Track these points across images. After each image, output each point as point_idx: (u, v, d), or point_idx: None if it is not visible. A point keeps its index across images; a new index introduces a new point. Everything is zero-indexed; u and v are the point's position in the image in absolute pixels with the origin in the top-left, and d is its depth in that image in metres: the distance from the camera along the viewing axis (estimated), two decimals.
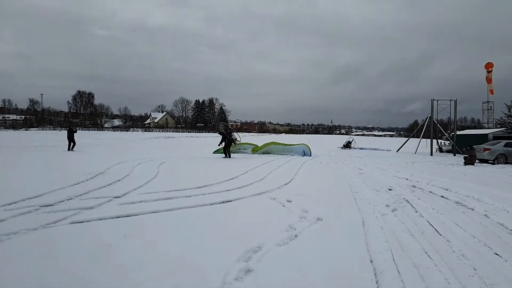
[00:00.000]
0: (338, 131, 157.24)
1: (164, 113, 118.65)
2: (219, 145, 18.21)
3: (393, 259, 3.74)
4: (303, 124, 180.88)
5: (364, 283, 3.15)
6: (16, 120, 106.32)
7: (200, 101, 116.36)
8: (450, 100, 26.18)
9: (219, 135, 17.82)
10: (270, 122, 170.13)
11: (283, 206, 6.19)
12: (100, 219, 5.06)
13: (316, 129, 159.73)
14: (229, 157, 16.74)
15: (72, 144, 19.25)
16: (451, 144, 26.57)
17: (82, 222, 4.91)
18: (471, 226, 5.09)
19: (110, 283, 3.04)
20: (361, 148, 34.02)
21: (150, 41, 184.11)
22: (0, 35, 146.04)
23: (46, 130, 79.13)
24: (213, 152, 19.83)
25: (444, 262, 3.67)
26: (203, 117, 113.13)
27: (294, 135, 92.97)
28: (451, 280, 3.26)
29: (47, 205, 5.78)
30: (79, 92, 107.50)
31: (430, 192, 7.98)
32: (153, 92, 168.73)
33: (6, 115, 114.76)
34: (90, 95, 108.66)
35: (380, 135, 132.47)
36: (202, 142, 41.53)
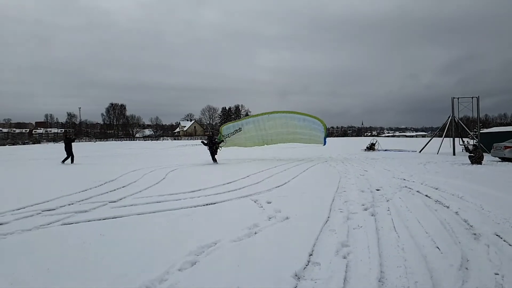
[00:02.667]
0: (369, 133, 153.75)
1: (193, 121, 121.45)
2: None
3: (335, 252, 4.04)
4: (331, 127, 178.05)
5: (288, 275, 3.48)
6: (56, 133, 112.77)
7: (227, 108, 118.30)
8: (472, 98, 25.40)
9: (204, 145, 18.59)
10: None
11: (261, 207, 6.57)
12: (89, 221, 5.68)
13: (345, 132, 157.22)
14: (216, 162, 17.54)
15: (70, 156, 17.65)
16: (475, 143, 25.71)
17: (72, 223, 5.54)
18: (432, 222, 5.25)
19: (70, 274, 3.56)
20: (385, 150, 33.27)
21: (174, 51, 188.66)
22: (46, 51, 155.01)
23: (83, 141, 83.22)
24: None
25: (378, 255, 3.93)
26: None
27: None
28: (374, 269, 3.53)
29: (49, 210, 6.49)
30: (112, 104, 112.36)
31: (417, 191, 8.04)
32: (181, 100, 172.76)
33: (48, 129, 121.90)
34: (122, 107, 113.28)
35: (412, 136, 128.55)
36: (227, 149, 42.23)
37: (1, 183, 10.42)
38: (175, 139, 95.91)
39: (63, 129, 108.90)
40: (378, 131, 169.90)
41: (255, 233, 4.83)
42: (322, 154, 23.71)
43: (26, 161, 21.37)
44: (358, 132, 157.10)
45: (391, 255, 3.95)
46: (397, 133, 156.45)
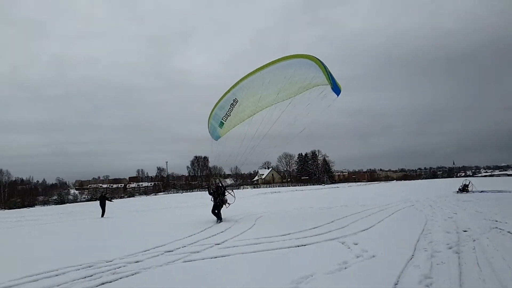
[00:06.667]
0: (463, 173, 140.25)
1: (270, 169, 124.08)
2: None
3: (418, 282, 4.61)
4: (419, 169, 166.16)
5: None
6: (147, 186, 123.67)
7: (303, 154, 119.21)
8: None
9: (209, 195, 14.98)
10: (380, 169, 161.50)
11: (348, 248, 7.25)
12: (203, 259, 6.97)
13: (434, 173, 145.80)
14: (221, 220, 13.70)
15: (103, 211, 20.85)
16: None
17: (191, 261, 6.85)
18: None
19: None
20: (481, 191, 30.37)
21: None
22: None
23: (170, 193, 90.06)
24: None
25: (459, 285, 4.41)
26: (307, 169, 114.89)
27: (408, 181, 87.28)
28: None
29: (169, 251, 7.95)
30: (196, 157, 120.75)
31: (508, 232, 7.95)
32: (258, 149, 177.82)
33: (140, 183, 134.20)
34: (205, 159, 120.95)
35: None
36: (305, 195, 42.68)
37: (122, 231, 12.52)
38: (254, 187, 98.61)
39: (153, 183, 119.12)
40: (473, 170, 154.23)
41: (345, 268, 5.58)
42: (409, 198, 23.00)
43: (129, 212, 24.39)
44: (449, 172, 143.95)
45: (471, 285, 4.39)
46: (496, 172, 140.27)
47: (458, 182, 36.01)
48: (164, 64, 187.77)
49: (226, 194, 14.74)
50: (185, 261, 6.84)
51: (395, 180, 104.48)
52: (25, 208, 63.86)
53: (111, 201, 22.65)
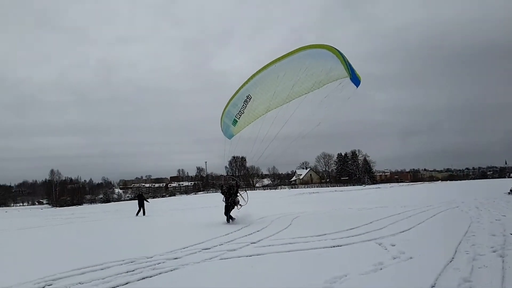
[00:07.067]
0: None
1: (308, 169, 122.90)
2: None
3: (457, 286, 4.44)
4: (467, 169, 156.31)
5: None
6: (187, 186, 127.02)
7: (342, 154, 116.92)
8: None
9: (221, 194, 14.57)
10: (425, 169, 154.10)
11: (385, 249, 7.11)
12: (239, 257, 7.11)
13: (484, 173, 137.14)
14: (232, 220, 13.49)
15: (142, 210, 21.32)
16: None
17: (227, 258, 7.03)
18: None
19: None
20: None
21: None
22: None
23: (210, 193, 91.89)
24: None
25: None
26: (347, 170, 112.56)
27: (454, 182, 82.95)
28: None
29: (206, 248, 8.18)
30: (234, 157, 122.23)
31: None
32: (296, 149, 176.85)
33: (181, 183, 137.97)
34: (243, 159, 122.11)
35: None
36: (344, 195, 41.87)
37: (162, 228, 13.00)
38: (292, 188, 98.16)
39: (193, 182, 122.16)
40: None
41: (381, 269, 5.49)
42: (454, 199, 21.95)
43: (169, 211, 25.23)
44: (501, 173, 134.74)
45: None
46: None
47: (510, 182, 33.77)
48: (201, 66, 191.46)
49: (238, 195, 14.28)
50: (222, 259, 7.03)
51: (440, 181, 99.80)
52: (74, 206, 68.04)
53: (147, 201, 23.36)
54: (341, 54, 10.61)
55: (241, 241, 8.97)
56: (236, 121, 14.08)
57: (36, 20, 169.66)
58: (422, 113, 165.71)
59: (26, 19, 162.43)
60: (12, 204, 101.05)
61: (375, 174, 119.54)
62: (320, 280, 5.01)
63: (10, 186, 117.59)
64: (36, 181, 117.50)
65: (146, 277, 5.79)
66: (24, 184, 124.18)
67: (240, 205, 14.13)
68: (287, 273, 5.63)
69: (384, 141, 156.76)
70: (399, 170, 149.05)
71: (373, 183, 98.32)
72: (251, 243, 8.55)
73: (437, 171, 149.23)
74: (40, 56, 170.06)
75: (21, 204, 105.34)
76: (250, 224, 12.42)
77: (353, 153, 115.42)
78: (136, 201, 23.00)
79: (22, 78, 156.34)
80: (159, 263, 6.76)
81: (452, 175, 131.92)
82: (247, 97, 13.43)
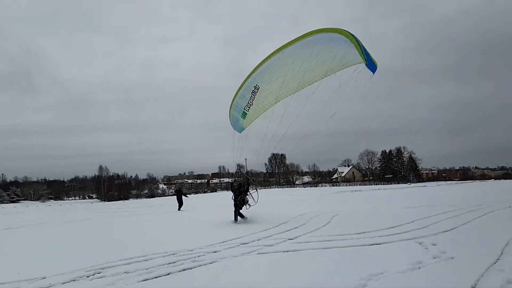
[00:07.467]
0: None
1: (350, 167, 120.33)
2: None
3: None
4: None
5: None
6: (228, 182, 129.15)
7: (387, 151, 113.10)
8: None
9: (232, 192, 14.08)
10: (476, 167, 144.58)
11: (426, 248, 6.91)
12: (276, 252, 7.26)
13: None
14: (243, 218, 13.37)
15: (180, 205, 22.51)
16: None
17: (264, 253, 7.19)
18: None
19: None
20: None
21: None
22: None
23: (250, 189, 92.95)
24: None
25: None
26: (391, 167, 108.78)
27: (510, 180, 77.43)
28: None
29: (245, 243, 8.39)
30: (273, 154, 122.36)
31: None
32: (337, 146, 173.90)
33: (221, 179, 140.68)
34: (282, 156, 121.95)
35: None
36: (388, 193, 40.52)
37: (203, 223, 13.39)
38: (333, 185, 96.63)
39: (231, 180, 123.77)
40: None
41: (419, 268, 5.39)
42: (507, 199, 20.56)
43: (211, 206, 25.85)
44: None
45: None
46: None
47: None
48: (241, 62, 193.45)
49: (248, 193, 13.77)
50: (259, 253, 7.21)
51: (493, 179, 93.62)
52: (121, 201, 71.70)
53: (186, 196, 24.33)
54: (355, 38, 9.93)
55: (279, 237, 9.08)
56: (246, 114, 13.57)
57: (81, 22, 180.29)
58: (473, 108, 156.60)
59: (71, 22, 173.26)
60: (65, 198, 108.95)
61: (421, 172, 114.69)
62: (355, 277, 5.01)
63: (63, 181, 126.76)
64: (86, 176, 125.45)
65: (187, 269, 6.09)
66: (75, 179, 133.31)
67: (249, 204, 13.73)
68: (322, 269, 5.68)
69: (431, 138, 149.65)
70: (448, 168, 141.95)
71: (419, 181, 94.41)
72: (288, 239, 8.64)
73: (490, 169, 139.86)
74: (86, 56, 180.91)
75: (73, 198, 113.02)
76: (288, 220, 12.46)
77: (398, 150, 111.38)
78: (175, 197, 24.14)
79: (72, 77, 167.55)
80: (199, 256, 7.06)
81: (506, 174, 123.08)
82: (255, 87, 12.79)
